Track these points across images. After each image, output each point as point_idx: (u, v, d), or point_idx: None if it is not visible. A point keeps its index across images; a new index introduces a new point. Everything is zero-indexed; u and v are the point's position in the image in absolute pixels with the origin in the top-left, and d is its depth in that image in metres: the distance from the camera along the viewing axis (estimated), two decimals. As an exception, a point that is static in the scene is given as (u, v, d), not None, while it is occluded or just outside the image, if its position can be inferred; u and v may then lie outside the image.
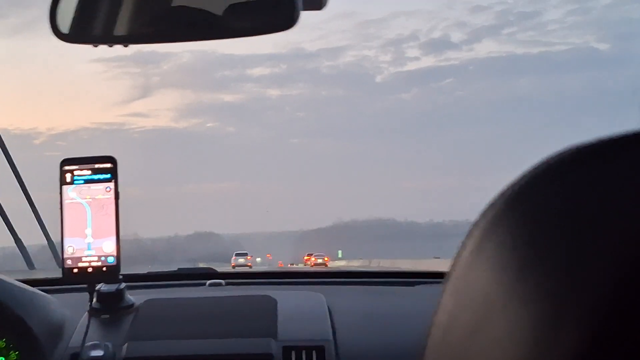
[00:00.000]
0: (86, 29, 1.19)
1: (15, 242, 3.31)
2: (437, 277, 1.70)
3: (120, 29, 1.19)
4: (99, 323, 1.34)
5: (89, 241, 1.30)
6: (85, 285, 1.34)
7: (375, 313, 1.40)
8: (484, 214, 0.30)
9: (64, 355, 1.26)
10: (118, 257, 1.30)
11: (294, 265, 30.71)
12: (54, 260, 3.02)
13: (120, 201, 1.31)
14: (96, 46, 1.20)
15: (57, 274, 1.41)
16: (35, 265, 3.33)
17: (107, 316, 1.36)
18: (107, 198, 1.30)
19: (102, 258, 1.30)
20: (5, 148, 3.15)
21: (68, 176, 1.31)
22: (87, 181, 1.31)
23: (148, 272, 1.97)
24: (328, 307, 1.40)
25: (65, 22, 1.14)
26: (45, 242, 3.20)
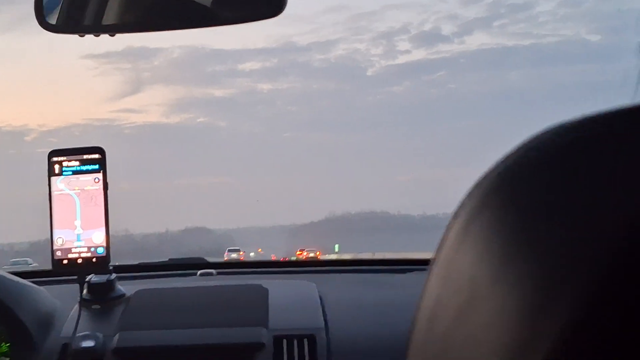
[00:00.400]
0: (73, 19, 1.19)
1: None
2: (428, 264, 1.70)
3: (107, 18, 1.19)
4: (90, 314, 1.34)
5: (79, 232, 1.30)
6: (75, 277, 1.34)
7: (366, 301, 1.40)
8: (470, 195, 0.29)
9: (55, 346, 1.26)
10: (108, 248, 1.30)
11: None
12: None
13: (109, 193, 1.31)
14: (82, 36, 1.19)
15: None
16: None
17: (98, 307, 1.36)
18: (96, 189, 1.30)
19: (92, 249, 1.30)
20: None
21: (57, 167, 1.30)
22: (75, 172, 1.30)
23: (139, 263, 1.96)
24: (319, 295, 1.40)
25: (51, 12, 1.14)
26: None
